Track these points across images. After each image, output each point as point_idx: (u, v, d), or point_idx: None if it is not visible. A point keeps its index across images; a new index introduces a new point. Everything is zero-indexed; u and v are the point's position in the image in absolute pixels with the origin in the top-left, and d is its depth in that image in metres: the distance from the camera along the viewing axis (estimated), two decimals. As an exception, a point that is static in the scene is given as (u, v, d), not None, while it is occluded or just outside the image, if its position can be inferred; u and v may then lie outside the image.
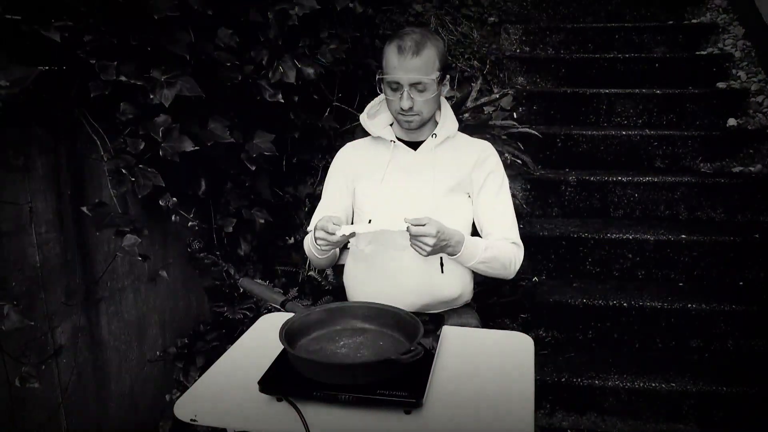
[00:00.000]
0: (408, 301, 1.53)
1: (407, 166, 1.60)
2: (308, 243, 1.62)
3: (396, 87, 1.50)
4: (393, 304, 1.32)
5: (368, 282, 1.61)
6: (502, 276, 1.60)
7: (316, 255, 1.58)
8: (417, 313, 1.27)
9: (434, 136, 1.60)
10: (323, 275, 2.46)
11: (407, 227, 1.36)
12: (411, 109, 1.50)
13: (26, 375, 1.37)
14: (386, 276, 1.57)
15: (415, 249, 1.41)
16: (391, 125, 1.66)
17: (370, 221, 1.56)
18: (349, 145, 1.73)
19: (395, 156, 1.61)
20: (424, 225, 1.36)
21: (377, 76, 1.55)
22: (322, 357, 1.17)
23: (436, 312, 1.58)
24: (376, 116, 1.68)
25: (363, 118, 1.66)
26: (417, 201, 1.56)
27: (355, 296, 1.65)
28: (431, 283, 1.56)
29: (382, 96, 1.61)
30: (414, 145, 1.62)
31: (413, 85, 1.48)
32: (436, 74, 1.49)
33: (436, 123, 1.62)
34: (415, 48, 1.45)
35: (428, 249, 1.38)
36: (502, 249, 1.56)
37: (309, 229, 1.60)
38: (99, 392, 1.74)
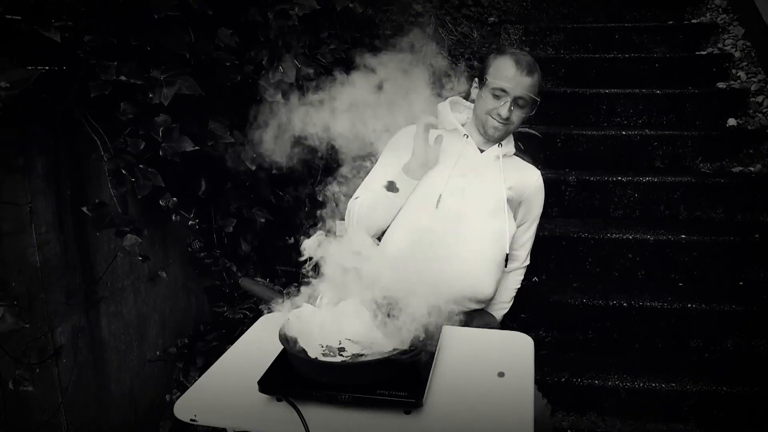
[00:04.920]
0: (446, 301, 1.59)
1: (475, 163, 1.71)
2: (368, 203, 1.69)
3: (500, 95, 1.63)
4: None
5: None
6: None
7: (378, 213, 1.68)
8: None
9: (500, 145, 1.73)
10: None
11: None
12: (507, 119, 1.64)
13: (20, 378, 1.37)
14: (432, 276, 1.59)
15: None
16: (463, 124, 1.77)
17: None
18: (412, 128, 1.74)
19: (466, 149, 1.72)
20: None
21: (479, 83, 1.69)
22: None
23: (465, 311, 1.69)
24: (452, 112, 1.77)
25: (445, 107, 1.77)
26: (484, 195, 1.68)
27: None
28: (474, 290, 1.67)
29: (444, 105, 1.76)
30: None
31: (517, 98, 1.62)
32: (537, 94, 1.65)
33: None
34: (529, 68, 1.61)
35: None
36: (515, 286, 1.86)
37: (356, 196, 1.74)
38: (99, 392, 1.74)
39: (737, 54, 3.28)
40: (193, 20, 1.61)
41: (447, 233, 1.63)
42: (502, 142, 1.74)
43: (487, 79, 1.65)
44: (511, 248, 1.73)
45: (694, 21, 3.67)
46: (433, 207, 1.65)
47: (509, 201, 1.72)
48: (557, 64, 3.33)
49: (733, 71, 3.22)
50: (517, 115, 1.66)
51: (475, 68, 3.25)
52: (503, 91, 1.62)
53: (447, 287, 1.57)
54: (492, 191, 1.69)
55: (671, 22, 3.69)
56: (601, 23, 3.70)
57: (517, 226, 1.77)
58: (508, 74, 1.61)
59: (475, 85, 1.73)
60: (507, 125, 1.66)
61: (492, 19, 3.59)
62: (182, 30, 1.59)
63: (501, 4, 3.69)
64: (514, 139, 1.81)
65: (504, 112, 1.62)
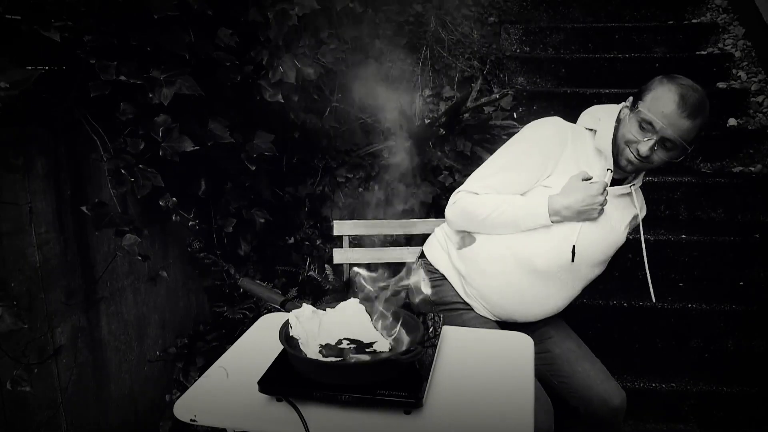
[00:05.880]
0: (530, 319, 1.61)
1: (609, 204, 1.51)
2: (487, 213, 1.50)
3: (647, 129, 1.40)
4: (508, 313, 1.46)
5: (505, 291, 1.57)
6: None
7: (492, 228, 1.53)
8: (418, 313, 1.27)
9: (632, 186, 1.56)
10: (323, 275, 2.46)
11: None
12: (646, 158, 1.42)
13: (18, 378, 1.37)
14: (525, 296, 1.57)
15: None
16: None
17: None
18: (559, 123, 1.56)
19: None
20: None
21: (633, 103, 1.45)
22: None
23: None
24: (598, 124, 1.54)
25: (610, 120, 1.52)
26: (607, 245, 1.56)
27: (478, 287, 1.60)
28: (546, 313, 1.62)
29: (612, 110, 1.53)
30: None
31: (665, 140, 1.40)
32: (692, 142, 1.41)
33: None
34: (693, 110, 1.36)
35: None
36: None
37: (473, 190, 1.53)
38: (99, 392, 1.74)
39: (737, 54, 3.28)
40: (193, 20, 1.61)
41: (565, 280, 1.55)
42: (636, 176, 1.56)
43: (639, 105, 1.41)
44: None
45: (694, 21, 3.67)
46: (567, 259, 1.50)
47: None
48: (557, 64, 3.33)
49: (734, 71, 3.22)
50: (660, 157, 1.43)
51: (474, 68, 3.25)
52: (652, 126, 1.39)
53: (528, 317, 1.60)
54: (614, 240, 1.56)
55: (671, 22, 3.69)
56: (601, 23, 3.69)
57: None
58: (665, 110, 1.36)
59: (626, 103, 1.49)
60: (643, 164, 1.45)
61: (492, 19, 3.59)
62: (182, 30, 1.59)
63: (501, 4, 3.69)
64: None
65: (644, 151, 1.40)
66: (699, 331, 2.26)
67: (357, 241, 2.55)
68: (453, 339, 1.35)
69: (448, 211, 1.61)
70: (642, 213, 1.63)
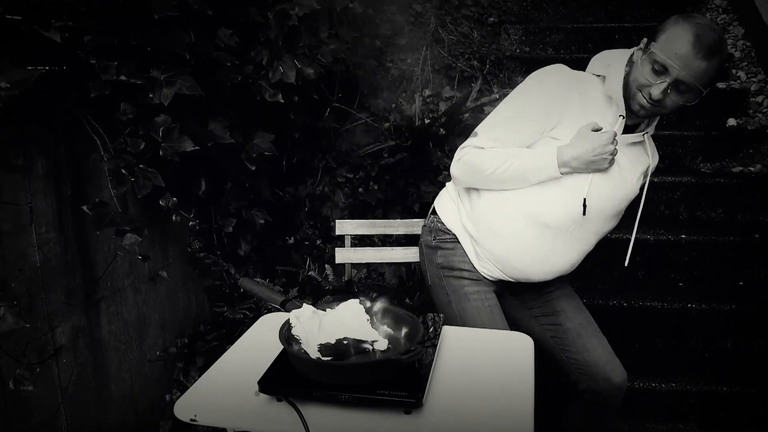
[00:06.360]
0: (545, 277, 1.59)
1: (621, 153, 1.47)
2: (495, 166, 1.46)
3: (661, 71, 1.33)
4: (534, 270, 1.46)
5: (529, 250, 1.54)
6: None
7: (498, 183, 1.49)
8: (417, 313, 1.28)
9: (645, 134, 1.51)
10: (323, 275, 2.46)
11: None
12: (659, 102, 1.36)
13: (20, 377, 1.37)
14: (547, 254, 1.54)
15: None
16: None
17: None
18: (563, 70, 1.50)
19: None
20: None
21: (646, 45, 1.37)
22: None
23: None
24: (609, 69, 1.47)
25: (619, 65, 1.45)
26: (620, 197, 1.51)
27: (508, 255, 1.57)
28: (562, 272, 1.60)
29: (623, 54, 1.46)
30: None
31: (679, 82, 1.33)
32: (706, 85, 1.35)
33: None
34: (708, 50, 1.28)
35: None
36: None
37: (479, 145, 1.49)
38: (99, 392, 1.74)
39: (737, 54, 3.28)
40: (193, 20, 1.61)
41: (578, 235, 1.52)
42: (649, 122, 1.50)
43: (651, 47, 1.34)
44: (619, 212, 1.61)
45: (694, 21, 3.67)
46: (579, 213, 1.46)
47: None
48: (557, 64, 3.33)
49: (733, 71, 3.22)
50: (673, 101, 1.36)
51: (474, 68, 3.25)
52: (665, 68, 1.32)
53: (544, 275, 1.58)
54: (629, 187, 1.51)
55: (671, 22, 3.69)
56: (601, 23, 3.69)
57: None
58: (680, 51, 1.29)
59: (640, 45, 1.41)
60: (656, 108, 1.38)
61: (492, 19, 3.59)
62: (182, 30, 1.59)
63: (501, 4, 3.68)
64: None
65: (656, 94, 1.34)
66: (699, 331, 2.26)
67: (357, 241, 2.56)
68: (453, 339, 1.35)
69: (453, 167, 1.57)
70: (654, 162, 1.58)
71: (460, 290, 1.64)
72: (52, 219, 1.53)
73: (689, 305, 2.25)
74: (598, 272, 2.53)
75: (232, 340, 1.42)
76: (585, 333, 1.64)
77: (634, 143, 1.51)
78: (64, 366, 1.59)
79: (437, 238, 1.70)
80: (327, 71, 2.12)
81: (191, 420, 1.06)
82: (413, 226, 2.02)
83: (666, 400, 2.10)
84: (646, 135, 1.51)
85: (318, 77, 2.02)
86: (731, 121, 2.99)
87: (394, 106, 2.74)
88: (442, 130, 2.53)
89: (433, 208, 1.76)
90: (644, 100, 1.38)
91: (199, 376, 1.25)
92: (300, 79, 1.94)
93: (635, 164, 1.52)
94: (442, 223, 1.69)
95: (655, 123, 1.54)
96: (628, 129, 1.50)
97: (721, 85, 3.17)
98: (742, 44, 3.34)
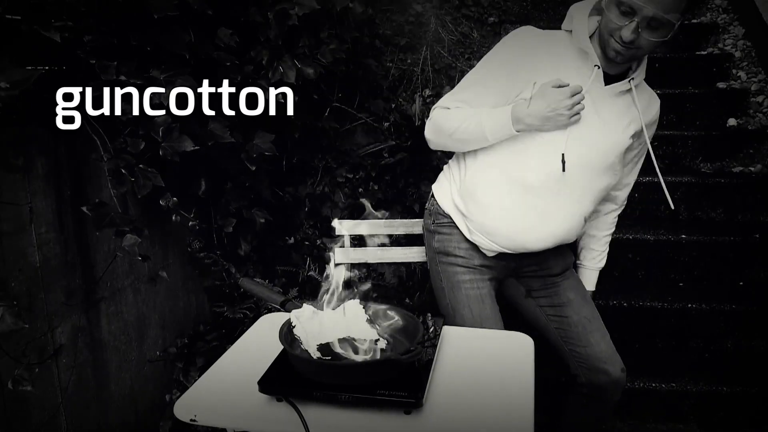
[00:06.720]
0: (542, 246, 1.56)
1: (596, 102, 1.43)
2: (455, 126, 1.48)
3: (628, 12, 1.30)
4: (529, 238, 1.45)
5: (516, 216, 1.52)
6: None
7: (461, 144, 1.51)
8: (418, 314, 1.28)
9: (631, 80, 1.45)
10: (323, 275, 2.46)
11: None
12: (632, 43, 1.32)
13: (19, 378, 1.37)
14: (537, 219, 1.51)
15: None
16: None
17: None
18: (531, 32, 1.48)
19: (593, 84, 1.42)
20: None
21: None
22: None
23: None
24: (579, 22, 1.45)
25: (582, 16, 1.44)
26: (605, 150, 1.46)
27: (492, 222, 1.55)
28: (561, 240, 1.57)
29: (586, 5, 1.45)
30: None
31: (649, 18, 1.29)
32: (678, 16, 1.29)
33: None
34: None
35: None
36: (611, 230, 1.76)
37: (445, 105, 1.52)
38: (99, 392, 1.74)
39: (737, 54, 3.28)
40: (193, 20, 1.61)
41: (563, 194, 1.47)
42: (635, 72, 1.45)
43: None
44: (613, 190, 1.61)
45: (694, 21, 3.67)
46: (558, 170, 1.43)
47: (627, 149, 1.49)
48: (557, 64, 3.33)
49: (734, 71, 3.22)
50: (647, 39, 1.31)
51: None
52: (630, 7, 1.28)
53: (538, 242, 1.54)
54: (615, 140, 1.45)
55: (671, 22, 3.69)
56: (601, 23, 3.69)
57: (631, 159, 1.57)
58: None
59: None
60: (631, 50, 1.35)
61: (492, 19, 3.59)
62: (182, 30, 1.59)
63: (501, 4, 3.69)
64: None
65: (627, 35, 1.30)
66: (699, 331, 2.26)
67: (357, 241, 2.55)
68: (453, 339, 1.35)
69: (425, 129, 1.60)
70: (647, 115, 1.50)
71: (453, 277, 1.64)
72: (52, 219, 1.53)
73: (689, 305, 2.25)
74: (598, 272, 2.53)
75: (232, 340, 1.42)
76: (590, 326, 1.64)
77: (622, 93, 1.47)
78: (64, 366, 1.59)
79: (435, 222, 1.70)
80: (327, 71, 2.12)
81: (191, 420, 1.06)
82: (413, 226, 2.02)
83: (666, 400, 2.10)
84: (631, 82, 1.45)
85: (318, 77, 2.02)
86: (731, 121, 2.99)
87: (394, 106, 2.74)
88: (442, 130, 2.53)
89: (432, 190, 1.77)
90: (618, 45, 1.35)
91: (199, 376, 1.25)
92: (300, 79, 1.94)
93: (623, 115, 1.47)
94: (439, 205, 1.70)
95: (641, 69, 1.48)
96: (615, 79, 1.46)
97: (721, 85, 3.17)
98: (742, 44, 3.34)
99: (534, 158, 1.45)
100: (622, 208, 1.74)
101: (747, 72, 3.19)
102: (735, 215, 2.63)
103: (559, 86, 1.38)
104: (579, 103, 1.38)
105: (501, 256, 1.63)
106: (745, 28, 3.41)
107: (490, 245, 1.60)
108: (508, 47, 1.49)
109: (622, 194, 1.69)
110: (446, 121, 1.51)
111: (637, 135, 1.51)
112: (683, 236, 2.44)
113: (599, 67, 1.42)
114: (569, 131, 1.42)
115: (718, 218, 2.65)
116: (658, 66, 3.24)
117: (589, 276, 1.81)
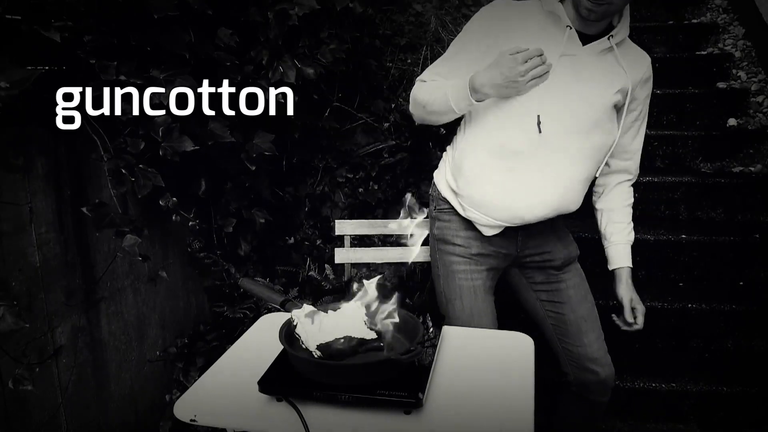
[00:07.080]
0: (537, 214, 1.53)
1: (578, 64, 1.41)
2: (427, 99, 1.50)
3: None
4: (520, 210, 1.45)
5: (506, 189, 1.50)
6: None
7: (435, 116, 1.52)
8: (418, 314, 1.27)
9: (610, 38, 1.42)
10: (323, 275, 2.46)
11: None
12: None
13: (20, 377, 1.37)
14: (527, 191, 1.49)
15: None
16: (561, 1, 1.43)
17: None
18: (507, 5, 1.46)
19: (567, 45, 1.40)
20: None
21: None
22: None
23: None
24: None
25: None
26: (587, 107, 1.42)
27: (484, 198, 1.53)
28: (559, 210, 1.55)
29: None
30: (580, 36, 1.42)
31: None
32: None
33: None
34: None
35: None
36: (630, 201, 1.77)
37: (422, 79, 1.55)
38: (99, 392, 1.74)
39: (737, 54, 3.28)
40: (193, 20, 1.61)
41: (546, 157, 1.44)
42: (615, 25, 1.43)
43: None
44: (619, 159, 1.57)
45: (694, 21, 3.67)
46: (534, 132, 1.40)
47: (615, 105, 1.45)
48: (557, 64, 3.33)
49: (734, 71, 3.22)
50: None
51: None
52: None
53: (531, 209, 1.51)
54: (598, 99, 1.42)
55: (671, 22, 3.69)
56: (601, 23, 3.69)
57: (624, 133, 1.52)
58: None
59: None
60: (602, 6, 1.32)
61: (492, 19, 3.59)
62: (182, 30, 1.59)
63: (501, 4, 3.69)
64: None
65: None
66: (699, 331, 2.26)
67: (357, 241, 2.56)
68: (453, 339, 1.35)
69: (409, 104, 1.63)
70: (635, 73, 1.46)
71: (449, 266, 1.64)
72: (52, 219, 1.53)
73: (689, 305, 2.25)
74: (598, 272, 2.53)
75: (232, 340, 1.42)
76: (585, 327, 1.66)
77: (604, 52, 1.45)
78: (64, 366, 1.59)
79: (436, 207, 1.72)
80: (327, 71, 2.12)
81: (191, 420, 1.06)
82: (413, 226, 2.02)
83: (666, 400, 2.10)
84: (611, 39, 1.43)
85: (318, 77, 2.02)
86: (731, 121, 2.99)
87: (394, 106, 2.74)
88: (442, 129, 2.53)
89: (434, 176, 1.78)
90: (588, 2, 1.33)
91: (199, 376, 1.25)
92: (300, 79, 1.94)
93: (606, 74, 1.44)
94: (437, 189, 1.71)
95: (622, 27, 1.46)
96: (594, 38, 1.44)
97: (721, 85, 3.17)
98: (743, 44, 3.34)
99: (512, 122, 1.44)
100: (635, 178, 1.69)
101: (747, 72, 3.18)
102: (735, 215, 2.63)
103: (517, 52, 1.34)
104: (537, 67, 1.33)
105: (500, 240, 1.61)
106: (745, 28, 3.40)
107: (485, 219, 1.56)
108: (478, 21, 1.49)
109: (632, 164, 1.63)
110: (420, 93, 1.54)
111: (624, 92, 1.47)
112: (683, 236, 2.44)
113: (571, 28, 1.40)
114: (543, 93, 1.39)
115: (718, 218, 2.65)
116: (658, 66, 3.24)
117: (622, 251, 1.77)
